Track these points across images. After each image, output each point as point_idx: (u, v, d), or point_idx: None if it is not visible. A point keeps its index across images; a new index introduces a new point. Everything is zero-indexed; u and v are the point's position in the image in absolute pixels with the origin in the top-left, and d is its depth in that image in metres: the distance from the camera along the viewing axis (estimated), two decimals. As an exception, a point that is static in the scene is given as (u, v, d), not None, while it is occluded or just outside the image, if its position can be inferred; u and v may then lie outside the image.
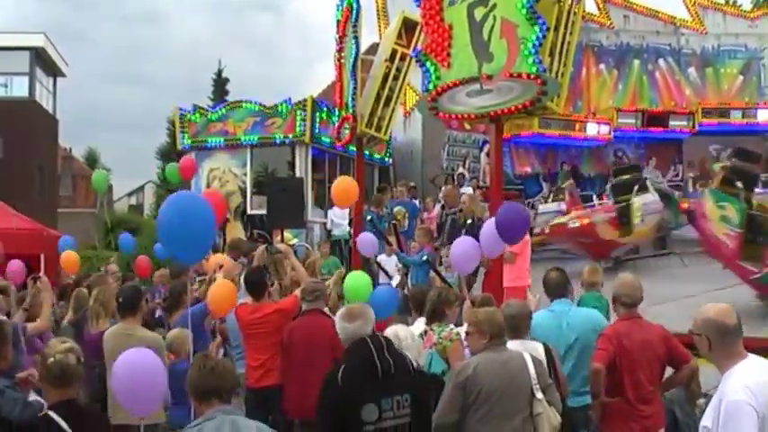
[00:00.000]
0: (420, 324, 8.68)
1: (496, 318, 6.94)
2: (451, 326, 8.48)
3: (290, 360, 9.36)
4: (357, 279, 10.30)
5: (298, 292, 10.31)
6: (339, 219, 20.94)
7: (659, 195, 22.29)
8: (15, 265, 14.29)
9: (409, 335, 7.57)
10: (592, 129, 27.78)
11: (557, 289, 8.91)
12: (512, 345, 7.10)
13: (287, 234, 17.52)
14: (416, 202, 22.01)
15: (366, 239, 14.96)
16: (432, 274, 14.90)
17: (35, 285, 11.08)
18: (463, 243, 10.48)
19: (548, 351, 7.55)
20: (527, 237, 13.96)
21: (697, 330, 5.16)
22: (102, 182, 19.86)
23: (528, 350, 7.14)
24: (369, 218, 16.93)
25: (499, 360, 6.73)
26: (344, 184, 14.01)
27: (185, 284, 11.26)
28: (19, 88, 38.85)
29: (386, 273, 16.38)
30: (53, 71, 42.31)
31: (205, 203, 8.26)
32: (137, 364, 6.11)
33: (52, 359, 5.48)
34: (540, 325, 8.29)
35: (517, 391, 6.66)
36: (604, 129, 28.01)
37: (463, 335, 7.97)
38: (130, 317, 9.26)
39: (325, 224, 22.75)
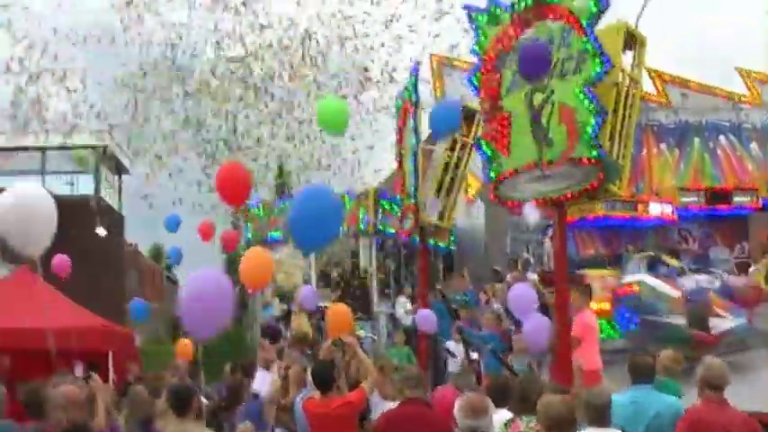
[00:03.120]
0: (504, 414, 8.32)
1: (553, 408, 6.78)
2: None
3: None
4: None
5: (365, 384, 10.26)
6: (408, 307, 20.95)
7: None
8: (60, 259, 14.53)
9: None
10: (655, 209, 27.61)
11: (642, 374, 8.63)
12: None
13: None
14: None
15: (426, 315, 15.07)
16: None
17: (87, 385, 11.17)
18: (534, 318, 10.41)
19: None
20: (590, 320, 13.81)
21: None
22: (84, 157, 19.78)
23: None
24: (435, 305, 16.92)
25: None
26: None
27: (242, 381, 11.30)
28: (85, 186, 39.60)
29: (454, 356, 16.30)
30: (118, 169, 43.08)
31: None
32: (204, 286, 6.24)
33: None
34: (616, 410, 8.13)
35: None
36: (668, 209, 27.85)
37: None
38: (182, 415, 9.31)
39: (391, 314, 22.67)
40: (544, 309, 13.86)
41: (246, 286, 10.35)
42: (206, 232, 19.37)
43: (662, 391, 8.91)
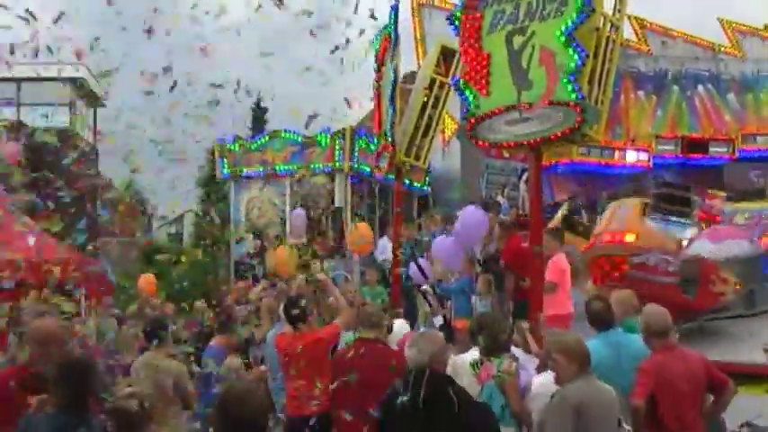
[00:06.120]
0: (472, 354, 8.29)
1: (584, 345, 6.89)
2: (511, 358, 7.98)
3: (347, 389, 8.78)
4: None
5: (338, 320, 10.29)
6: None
7: None
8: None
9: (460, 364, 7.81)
10: (631, 156, 27.72)
11: (601, 319, 8.43)
12: None
13: (325, 264, 17.52)
14: None
15: (414, 269, 15.38)
16: (473, 299, 14.94)
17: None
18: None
19: None
20: (564, 265, 13.88)
21: None
22: None
23: None
24: (406, 248, 16.99)
25: (596, 388, 6.79)
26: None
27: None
28: (59, 119, 39.25)
29: (429, 303, 16.34)
30: (93, 102, 42.65)
31: None
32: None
33: (112, 405, 5.60)
34: (598, 360, 7.62)
35: (612, 421, 6.73)
36: (643, 156, 27.97)
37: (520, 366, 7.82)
38: (155, 347, 9.79)
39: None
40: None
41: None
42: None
43: (631, 332, 8.63)
